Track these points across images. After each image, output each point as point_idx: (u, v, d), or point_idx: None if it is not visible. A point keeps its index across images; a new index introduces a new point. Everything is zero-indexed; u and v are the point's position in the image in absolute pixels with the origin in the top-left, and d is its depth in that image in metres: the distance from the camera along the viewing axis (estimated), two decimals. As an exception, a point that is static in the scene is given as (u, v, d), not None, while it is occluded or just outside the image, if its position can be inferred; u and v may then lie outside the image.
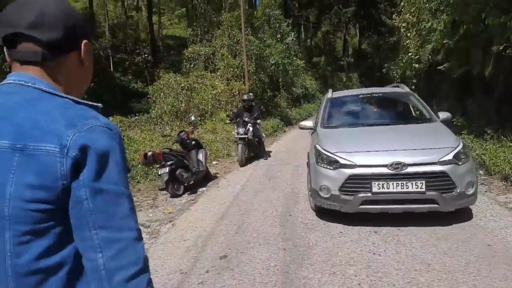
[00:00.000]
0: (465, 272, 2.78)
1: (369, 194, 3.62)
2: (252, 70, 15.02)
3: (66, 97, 0.80)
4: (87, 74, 0.92)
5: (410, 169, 3.55)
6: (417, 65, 11.73)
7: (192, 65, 15.96)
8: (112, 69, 21.93)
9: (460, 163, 3.63)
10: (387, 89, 6.04)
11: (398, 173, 3.56)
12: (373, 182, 3.60)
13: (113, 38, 25.04)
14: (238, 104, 11.90)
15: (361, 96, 5.69)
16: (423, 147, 3.80)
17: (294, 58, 19.28)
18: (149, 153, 5.50)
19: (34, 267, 0.72)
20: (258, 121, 8.46)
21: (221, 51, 15.50)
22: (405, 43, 12.76)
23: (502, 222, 3.77)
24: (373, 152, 3.86)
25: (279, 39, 18.42)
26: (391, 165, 3.57)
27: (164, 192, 5.79)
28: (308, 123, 5.51)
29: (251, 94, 9.17)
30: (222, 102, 13.59)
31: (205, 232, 4.02)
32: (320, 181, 3.93)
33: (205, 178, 6.51)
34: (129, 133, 9.60)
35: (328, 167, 3.89)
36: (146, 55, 21.91)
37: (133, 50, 23.15)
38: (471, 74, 8.20)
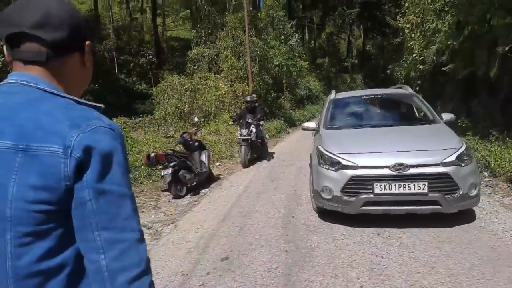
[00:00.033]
0: (469, 275, 2.75)
1: (371, 196, 3.60)
2: (256, 72, 15.03)
3: (67, 98, 0.80)
4: (88, 75, 0.92)
5: (412, 170, 3.53)
6: (421, 66, 11.65)
7: (196, 67, 16.01)
8: (116, 71, 22.06)
9: (463, 165, 3.60)
10: (390, 90, 6.02)
11: (400, 174, 3.54)
12: (375, 183, 3.58)
13: (118, 40, 25.16)
14: (242, 106, 11.89)
15: (364, 97, 5.67)
16: (425, 149, 3.77)
17: (298, 60, 19.26)
18: (152, 154, 5.50)
19: (35, 269, 0.71)
20: (261, 122, 8.46)
21: (225, 53, 15.53)
22: (409, 44, 12.68)
23: (507, 224, 3.72)
24: (375, 153, 3.84)
25: (283, 41, 18.44)
26: (394, 166, 3.55)
27: (167, 193, 5.80)
28: (311, 124, 5.49)
29: (254, 95, 9.18)
30: (226, 104, 13.61)
31: (207, 234, 4.02)
32: (322, 182, 3.91)
33: (208, 179, 6.51)
34: (133, 134, 9.65)
35: (330, 168, 3.88)
36: (150, 57, 22.05)
37: (138, 51, 23.32)
38: (476, 75, 8.13)
